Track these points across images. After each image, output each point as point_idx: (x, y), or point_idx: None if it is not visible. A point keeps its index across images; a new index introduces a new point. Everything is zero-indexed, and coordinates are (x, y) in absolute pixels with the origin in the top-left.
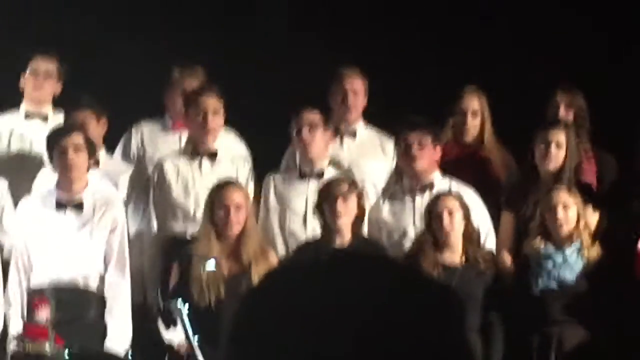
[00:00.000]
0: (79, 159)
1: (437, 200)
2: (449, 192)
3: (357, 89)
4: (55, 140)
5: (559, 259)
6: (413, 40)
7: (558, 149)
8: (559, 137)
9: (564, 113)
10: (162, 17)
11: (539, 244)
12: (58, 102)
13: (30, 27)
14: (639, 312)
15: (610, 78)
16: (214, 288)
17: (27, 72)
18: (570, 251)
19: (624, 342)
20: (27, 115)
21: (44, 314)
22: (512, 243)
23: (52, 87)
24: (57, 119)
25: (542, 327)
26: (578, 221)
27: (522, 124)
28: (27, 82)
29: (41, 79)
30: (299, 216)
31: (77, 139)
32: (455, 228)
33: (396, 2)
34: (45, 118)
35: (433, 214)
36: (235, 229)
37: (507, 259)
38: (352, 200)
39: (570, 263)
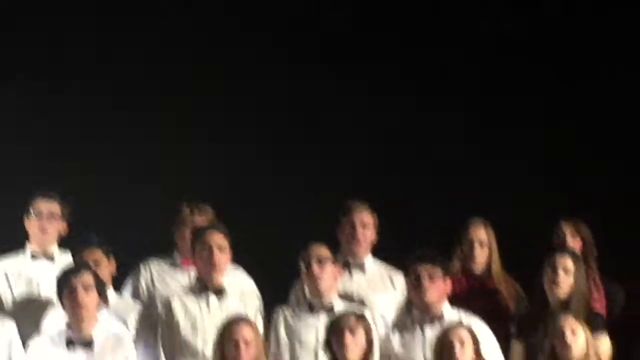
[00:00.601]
0: (89, 298)
1: (448, 330)
2: (459, 323)
3: (366, 222)
4: (65, 279)
5: None
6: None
7: (566, 275)
8: (567, 263)
9: (571, 241)
10: (168, 152)
11: None
12: (65, 242)
13: (31, 167)
14: None
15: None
16: None
17: (31, 213)
18: None
19: None
20: (33, 256)
21: None
22: None
23: (57, 228)
24: (63, 258)
25: None
26: (587, 349)
27: (529, 255)
28: (31, 224)
29: (45, 220)
30: (309, 351)
31: (87, 278)
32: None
33: (403, 135)
34: (51, 258)
35: (444, 345)
36: None
37: None
38: (360, 333)
39: None
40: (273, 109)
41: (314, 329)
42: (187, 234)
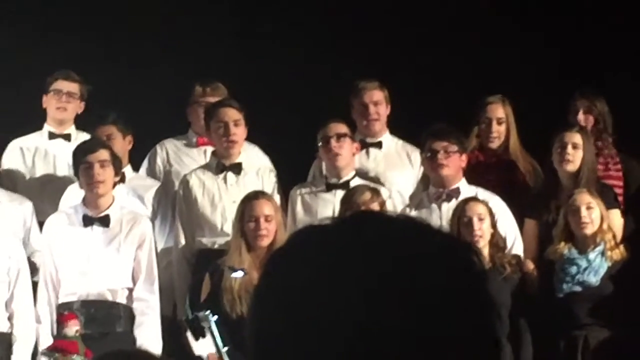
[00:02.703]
0: (106, 174)
1: (466, 206)
2: (476, 199)
3: (377, 100)
4: (81, 155)
5: (583, 263)
6: (433, 51)
7: (575, 150)
8: (575, 138)
9: (582, 117)
10: (183, 34)
11: (563, 248)
12: (83, 120)
13: (51, 47)
14: None
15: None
16: (245, 299)
17: (50, 92)
18: (594, 255)
19: None
20: (51, 136)
21: (73, 329)
22: (536, 250)
23: (75, 107)
24: (80, 138)
25: (569, 331)
26: (601, 223)
27: (547, 131)
28: (49, 102)
29: (64, 100)
30: None
31: (104, 154)
32: (484, 234)
33: (417, 14)
34: (68, 138)
35: (462, 220)
36: (266, 240)
37: (530, 265)
38: (375, 208)
39: (594, 267)
40: None
41: (331, 204)
42: (201, 112)
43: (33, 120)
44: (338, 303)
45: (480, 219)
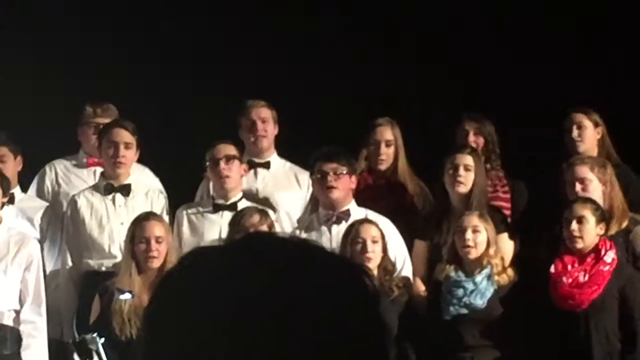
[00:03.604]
0: None
1: (360, 227)
2: (370, 221)
3: (265, 117)
4: None
5: (469, 285)
6: (320, 73)
7: (467, 172)
8: (467, 160)
9: (473, 139)
10: (74, 52)
11: (449, 270)
12: None
13: None
14: (553, 334)
15: (522, 105)
16: (134, 321)
17: None
18: (481, 278)
19: None
20: None
21: None
22: (426, 271)
23: None
24: None
25: (455, 353)
26: (488, 247)
27: (435, 153)
28: None
29: None
30: None
31: None
32: (375, 257)
33: (313, 32)
34: None
35: (355, 242)
36: (156, 262)
37: (420, 286)
38: (264, 230)
39: (481, 289)
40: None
41: (218, 226)
42: (91, 133)
43: None
44: (229, 326)
45: (374, 242)
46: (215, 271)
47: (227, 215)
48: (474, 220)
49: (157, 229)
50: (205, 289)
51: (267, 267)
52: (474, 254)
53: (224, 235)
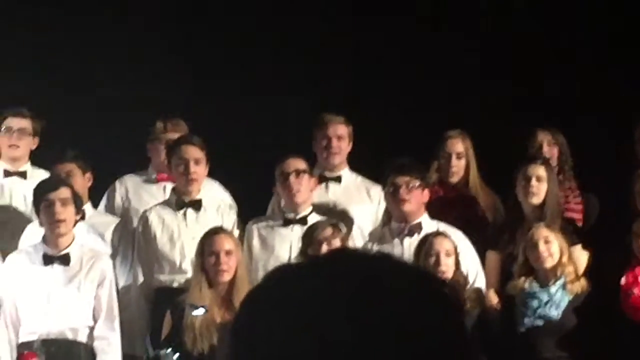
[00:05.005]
0: (66, 212)
1: (432, 241)
2: (444, 234)
3: (341, 135)
4: (42, 193)
5: (544, 297)
6: (393, 85)
7: (539, 183)
8: (539, 171)
9: (547, 150)
10: (143, 69)
11: (523, 283)
12: (41, 158)
13: (6, 84)
14: (626, 345)
15: (591, 120)
16: (207, 336)
17: (1, 131)
18: (555, 288)
19: None
20: (6, 174)
21: None
22: (499, 282)
23: (28, 144)
24: (36, 175)
25: None
26: (561, 256)
27: (508, 165)
28: (1, 141)
29: (15, 137)
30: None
31: (65, 192)
32: (449, 270)
33: (381, 47)
34: (24, 175)
35: (429, 255)
36: (226, 275)
37: (493, 299)
38: (336, 244)
39: (556, 300)
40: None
41: (288, 240)
42: (161, 149)
43: None
44: (317, 343)
45: (447, 255)
46: (301, 287)
47: (298, 229)
48: (543, 231)
49: (226, 243)
50: (292, 305)
51: (352, 283)
52: (549, 262)
53: (295, 249)
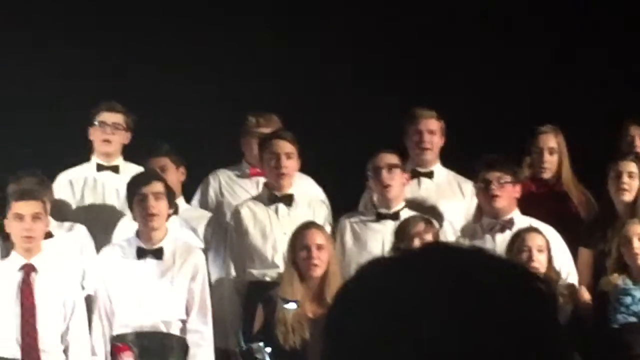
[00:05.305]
0: (160, 207)
1: (525, 236)
2: (536, 230)
3: (433, 129)
4: (135, 188)
5: (637, 294)
6: (484, 80)
7: (631, 179)
8: (631, 167)
9: (639, 144)
10: (235, 64)
11: (616, 279)
12: (134, 152)
13: (97, 77)
14: None
15: None
16: (298, 330)
17: (95, 125)
18: None
19: None
20: (99, 167)
21: None
22: (591, 279)
23: (121, 139)
24: (128, 169)
25: None
26: None
27: (601, 160)
28: (95, 135)
29: (109, 132)
30: None
31: (159, 187)
32: (541, 265)
33: (470, 44)
34: (116, 169)
35: (521, 251)
36: (318, 270)
37: (586, 295)
38: (429, 239)
39: None
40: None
41: (381, 235)
42: (254, 143)
43: (79, 152)
44: (417, 335)
45: (540, 251)
46: (394, 282)
47: (390, 224)
48: (638, 228)
49: (318, 237)
50: (385, 300)
51: (448, 277)
52: None
53: (387, 243)
